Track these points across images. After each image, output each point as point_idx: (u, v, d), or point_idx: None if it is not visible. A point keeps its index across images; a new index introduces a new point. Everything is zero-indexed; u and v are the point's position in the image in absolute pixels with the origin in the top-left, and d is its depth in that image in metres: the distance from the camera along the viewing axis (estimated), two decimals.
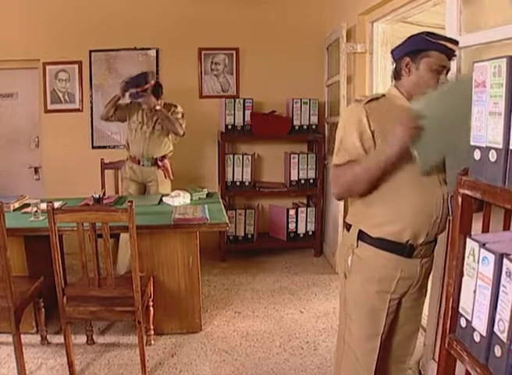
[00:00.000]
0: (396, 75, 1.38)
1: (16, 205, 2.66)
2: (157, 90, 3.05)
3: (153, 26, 3.62)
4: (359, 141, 1.27)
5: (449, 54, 1.31)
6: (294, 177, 3.63)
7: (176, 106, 3.11)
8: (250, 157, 3.60)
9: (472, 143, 1.06)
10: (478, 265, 0.97)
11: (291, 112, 3.57)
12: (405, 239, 1.30)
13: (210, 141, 3.78)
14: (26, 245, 2.32)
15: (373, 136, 1.27)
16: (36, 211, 2.36)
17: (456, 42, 1.32)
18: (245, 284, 3.13)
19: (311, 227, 3.71)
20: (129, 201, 1.83)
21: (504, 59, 0.87)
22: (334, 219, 3.46)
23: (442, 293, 1.83)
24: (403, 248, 1.30)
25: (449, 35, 1.73)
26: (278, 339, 2.37)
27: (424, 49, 1.29)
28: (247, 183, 3.61)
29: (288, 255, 3.71)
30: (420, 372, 1.96)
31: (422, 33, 1.33)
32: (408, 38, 1.36)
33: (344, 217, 3.23)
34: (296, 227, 3.70)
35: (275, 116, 3.60)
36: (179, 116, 3.09)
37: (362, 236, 1.34)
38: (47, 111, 3.69)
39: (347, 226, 1.41)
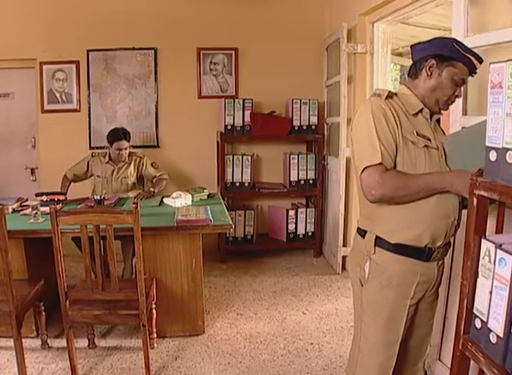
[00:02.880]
0: (414, 73, 1.34)
1: (15, 207, 2.62)
2: (125, 135, 3.03)
3: (151, 26, 3.60)
4: (389, 133, 1.22)
5: (472, 70, 1.29)
6: (294, 178, 3.62)
7: (141, 157, 3.17)
8: (249, 158, 3.59)
9: (487, 144, 1.05)
10: (495, 266, 0.96)
11: (291, 113, 3.56)
12: (424, 243, 1.28)
13: (209, 141, 3.76)
14: (26, 248, 2.28)
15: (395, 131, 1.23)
16: (36, 213, 2.33)
17: (481, 60, 1.29)
18: (246, 286, 3.11)
19: (311, 228, 3.71)
20: (133, 203, 1.81)
21: None
22: (333, 219, 3.46)
23: (448, 294, 1.83)
24: (422, 252, 1.28)
25: (454, 35, 1.74)
26: (282, 341, 2.35)
27: (453, 58, 1.26)
28: (246, 184, 3.60)
29: (288, 256, 3.70)
30: (426, 372, 1.96)
31: (451, 39, 1.31)
32: (435, 39, 1.32)
33: (345, 218, 3.28)
34: (296, 228, 3.69)
35: (275, 117, 3.59)
36: (156, 171, 3.17)
37: (379, 242, 1.30)
38: (44, 111, 3.65)
39: (361, 232, 1.36)
